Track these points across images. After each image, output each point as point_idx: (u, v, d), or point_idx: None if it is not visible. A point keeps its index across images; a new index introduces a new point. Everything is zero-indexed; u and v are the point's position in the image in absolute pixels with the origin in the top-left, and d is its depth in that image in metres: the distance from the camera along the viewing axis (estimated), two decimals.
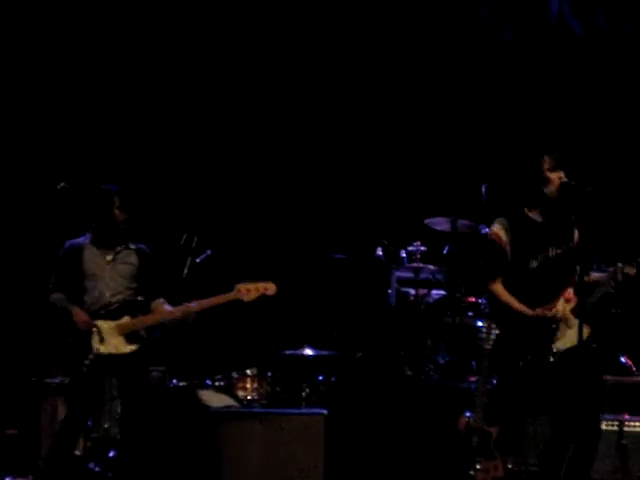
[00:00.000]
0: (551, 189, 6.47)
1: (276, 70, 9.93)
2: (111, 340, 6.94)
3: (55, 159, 9.36)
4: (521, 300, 6.49)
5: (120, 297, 7.03)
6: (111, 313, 6.99)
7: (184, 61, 9.90)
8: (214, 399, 7.63)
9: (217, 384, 8.00)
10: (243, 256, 9.16)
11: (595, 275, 6.58)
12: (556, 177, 6.46)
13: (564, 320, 6.47)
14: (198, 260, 7.90)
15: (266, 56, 9.90)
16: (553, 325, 6.48)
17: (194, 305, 7.00)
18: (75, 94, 9.72)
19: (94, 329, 6.92)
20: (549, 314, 6.46)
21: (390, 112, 9.89)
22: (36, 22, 9.65)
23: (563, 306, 6.49)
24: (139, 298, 7.08)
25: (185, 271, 7.73)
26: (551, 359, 6.48)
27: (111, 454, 7.60)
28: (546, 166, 6.48)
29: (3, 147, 9.53)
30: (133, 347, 6.99)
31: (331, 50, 9.90)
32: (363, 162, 9.84)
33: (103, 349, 6.92)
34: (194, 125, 9.89)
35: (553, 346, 6.49)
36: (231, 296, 6.97)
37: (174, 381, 7.86)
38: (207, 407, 7.43)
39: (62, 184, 7.29)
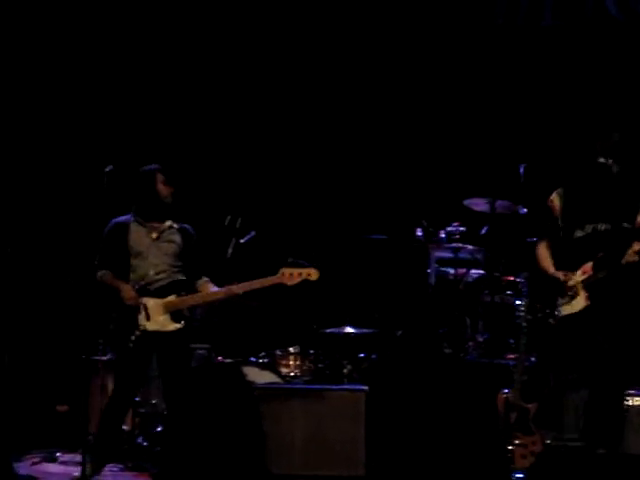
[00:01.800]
0: (602, 173, 6.64)
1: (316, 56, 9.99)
2: (157, 317, 7.06)
3: (102, 143, 9.48)
4: (560, 267, 6.70)
5: (164, 275, 7.13)
6: (157, 291, 7.09)
7: (220, 49, 9.99)
8: (258, 376, 7.74)
9: (261, 361, 8.10)
10: (286, 237, 9.22)
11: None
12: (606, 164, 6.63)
13: (571, 288, 6.67)
14: (242, 241, 8.00)
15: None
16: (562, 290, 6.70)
17: (238, 287, 7.11)
18: (120, 81, 9.86)
19: (141, 306, 7.07)
20: (562, 278, 6.68)
21: (430, 93, 9.88)
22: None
23: (577, 276, 6.68)
24: (182, 277, 7.18)
25: (229, 251, 7.85)
26: (551, 321, 6.67)
27: (159, 429, 7.74)
28: (599, 150, 6.65)
29: (50, 132, 9.69)
30: (178, 325, 7.10)
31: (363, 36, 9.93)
32: (403, 144, 9.84)
33: (149, 326, 7.04)
34: (238, 109, 9.95)
35: (556, 309, 6.71)
36: (275, 280, 7.08)
37: (219, 358, 7.99)
38: (251, 383, 7.54)
39: (110, 167, 7.36)
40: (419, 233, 9.05)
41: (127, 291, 7.05)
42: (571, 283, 6.68)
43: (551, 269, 6.76)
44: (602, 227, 6.69)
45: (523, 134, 9.52)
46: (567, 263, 6.73)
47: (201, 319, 8.20)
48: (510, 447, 6.87)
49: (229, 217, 7.85)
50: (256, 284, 7.12)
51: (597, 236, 6.68)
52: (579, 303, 6.68)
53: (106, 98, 9.79)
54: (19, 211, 9.25)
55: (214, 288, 7.20)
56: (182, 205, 7.41)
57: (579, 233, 6.71)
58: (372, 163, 9.85)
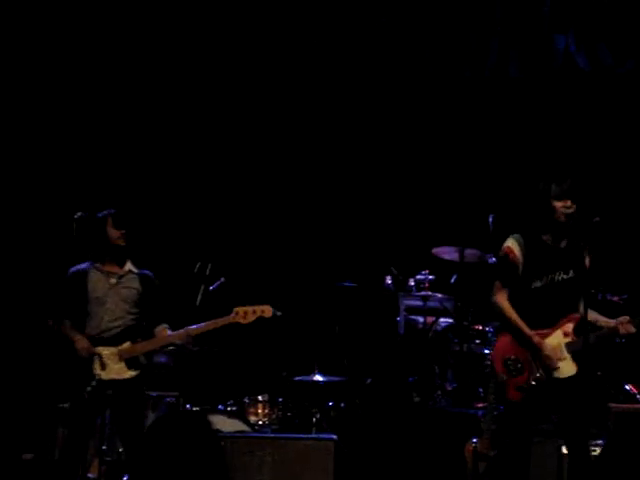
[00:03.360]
0: (558, 217, 6.52)
1: (270, 93, 10.02)
2: (112, 366, 7.02)
3: (72, 189, 9.46)
4: (521, 318, 6.53)
5: (120, 322, 7.09)
6: (112, 339, 7.05)
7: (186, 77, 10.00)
8: (226, 424, 7.67)
9: (229, 409, 8.03)
10: (255, 284, 9.23)
11: (596, 318, 6.60)
12: (561, 206, 6.51)
13: (553, 353, 6.46)
14: (212, 288, 7.99)
15: (265, 76, 10.00)
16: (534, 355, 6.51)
17: (192, 329, 7.06)
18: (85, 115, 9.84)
19: (95, 355, 7.02)
20: (538, 344, 6.45)
21: (400, 141, 9.98)
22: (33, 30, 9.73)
23: (559, 339, 6.50)
24: (137, 324, 7.14)
25: (199, 298, 7.84)
26: (532, 383, 6.50)
27: (125, 478, 7.55)
28: (552, 194, 6.58)
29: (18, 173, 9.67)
30: (133, 373, 7.05)
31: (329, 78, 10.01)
32: (372, 191, 9.91)
33: (104, 375, 6.98)
34: (204, 150, 10.01)
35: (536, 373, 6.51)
36: (229, 319, 7.05)
37: (187, 406, 7.91)
38: (218, 432, 7.46)
39: (79, 213, 7.28)
40: (388, 281, 9.13)
41: (80, 342, 7.00)
42: (551, 348, 6.45)
43: (526, 329, 6.47)
44: (559, 277, 6.55)
45: (492, 184, 9.62)
46: (526, 313, 6.51)
47: (170, 367, 8.17)
48: None
49: (199, 264, 7.85)
50: (211, 325, 7.08)
51: (555, 286, 6.54)
52: (569, 369, 6.48)
53: (77, 141, 9.80)
54: None
55: (170, 333, 7.16)
56: (150, 251, 7.38)
57: (538, 283, 6.53)
58: (340, 210, 9.91)
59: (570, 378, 6.49)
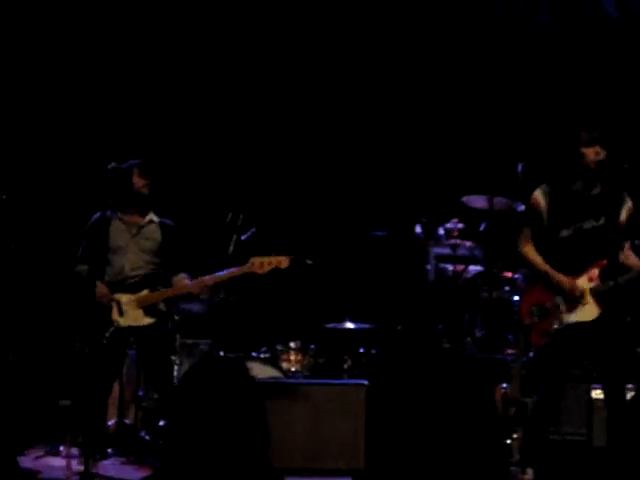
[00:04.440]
0: (588, 164, 6.55)
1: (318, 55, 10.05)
2: (130, 313, 7.15)
3: (105, 140, 9.50)
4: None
5: (140, 272, 7.22)
6: (131, 286, 7.17)
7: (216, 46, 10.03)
8: (260, 370, 7.81)
9: (262, 356, 8.19)
10: (287, 233, 9.29)
11: (628, 259, 6.64)
12: (592, 152, 6.54)
13: (577, 297, 6.55)
14: (243, 238, 8.02)
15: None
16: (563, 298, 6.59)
17: (209, 278, 7.17)
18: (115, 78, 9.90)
19: (113, 302, 7.15)
20: (567, 286, 6.56)
21: (427, 91, 9.95)
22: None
23: (583, 284, 6.56)
24: (161, 272, 7.25)
25: (231, 249, 7.89)
26: (556, 326, 6.57)
27: (161, 423, 7.79)
28: (582, 141, 6.57)
29: (50, 129, 9.74)
30: (151, 320, 7.19)
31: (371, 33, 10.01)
32: (402, 141, 9.90)
33: (122, 321, 7.13)
34: (239, 107, 10.00)
35: (560, 317, 6.59)
36: (245, 269, 7.15)
37: (221, 353, 8.03)
38: (254, 378, 7.63)
39: (113, 164, 7.29)
40: (418, 230, 9.14)
41: (99, 289, 7.11)
42: (578, 291, 6.55)
43: (553, 272, 6.57)
44: (589, 225, 6.61)
45: (521, 132, 9.58)
46: (554, 263, 6.60)
47: (203, 314, 8.28)
48: (508, 440, 6.92)
49: (231, 214, 7.91)
50: (227, 275, 7.17)
51: (583, 234, 6.60)
52: (591, 312, 6.55)
53: (103, 96, 9.83)
54: (21, 208, 9.29)
55: (187, 282, 7.25)
56: (183, 202, 7.45)
57: (565, 233, 6.59)
58: (371, 161, 9.91)
59: (594, 322, 6.55)
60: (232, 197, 9.04)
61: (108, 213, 7.22)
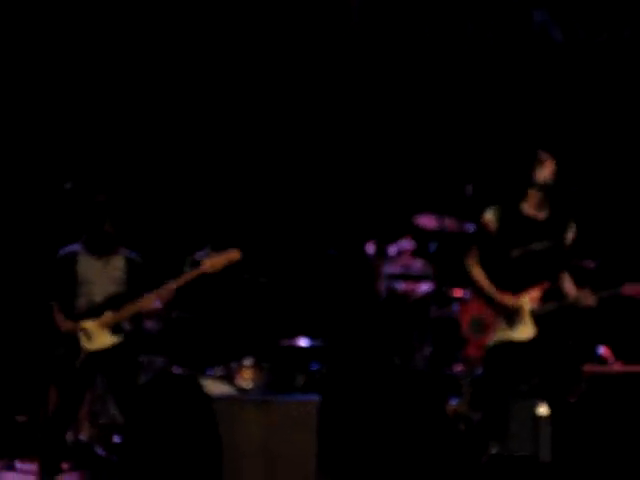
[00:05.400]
0: (538, 183, 6.67)
1: (264, 80, 10.11)
2: (97, 336, 7.17)
3: (62, 159, 9.57)
4: (497, 285, 6.74)
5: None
6: (94, 311, 7.20)
7: (186, 68, 10.09)
8: (214, 387, 7.90)
9: (217, 373, 8.24)
10: (241, 251, 9.32)
11: (565, 285, 6.80)
12: (542, 173, 6.66)
13: (518, 314, 6.69)
14: (197, 257, 8.09)
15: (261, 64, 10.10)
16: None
17: (165, 287, 7.19)
18: (81, 96, 9.91)
19: (79, 331, 7.18)
20: (510, 302, 6.69)
21: (379, 110, 10.06)
22: (40, 23, 9.84)
23: (525, 302, 6.69)
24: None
25: (186, 269, 7.95)
26: (491, 341, 6.74)
27: (116, 439, 7.80)
28: (534, 161, 6.69)
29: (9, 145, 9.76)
30: (116, 339, 7.20)
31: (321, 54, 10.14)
32: (355, 162, 10.02)
33: (91, 346, 7.15)
34: (194, 131, 10.08)
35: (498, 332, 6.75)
36: (198, 272, 7.20)
37: (176, 370, 8.05)
38: (208, 394, 7.66)
39: (69, 183, 7.42)
40: (370, 249, 9.26)
41: (64, 326, 7.18)
42: (520, 309, 6.66)
43: (496, 293, 6.70)
44: (538, 247, 6.72)
45: (471, 154, 9.73)
46: (502, 282, 6.73)
47: (158, 331, 8.34)
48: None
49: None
50: (183, 279, 7.22)
51: (532, 256, 6.71)
52: (527, 331, 6.69)
53: (65, 114, 9.87)
54: None
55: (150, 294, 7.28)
56: (134, 233, 7.49)
57: (515, 253, 6.71)
58: (324, 181, 10.01)
59: (531, 342, 6.69)
60: (187, 213, 9.10)
61: (74, 247, 7.29)
